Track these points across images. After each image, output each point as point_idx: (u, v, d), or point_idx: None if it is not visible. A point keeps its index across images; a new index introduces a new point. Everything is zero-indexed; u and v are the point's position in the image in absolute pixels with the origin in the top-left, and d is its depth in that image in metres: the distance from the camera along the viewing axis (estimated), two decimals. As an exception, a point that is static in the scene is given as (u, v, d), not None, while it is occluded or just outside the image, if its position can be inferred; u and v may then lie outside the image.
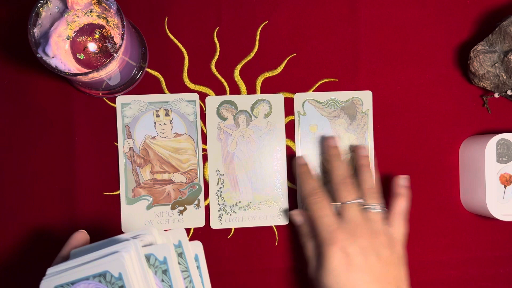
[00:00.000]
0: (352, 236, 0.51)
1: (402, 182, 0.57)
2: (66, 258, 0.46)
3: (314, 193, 0.54)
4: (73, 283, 0.42)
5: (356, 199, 0.53)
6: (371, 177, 0.56)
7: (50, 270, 0.43)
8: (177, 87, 0.60)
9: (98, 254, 0.41)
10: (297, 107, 0.61)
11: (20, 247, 0.58)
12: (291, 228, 0.61)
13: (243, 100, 0.60)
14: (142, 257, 0.41)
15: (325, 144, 0.59)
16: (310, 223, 0.55)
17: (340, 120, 0.61)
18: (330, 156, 0.58)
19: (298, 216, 0.58)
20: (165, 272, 0.42)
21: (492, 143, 0.57)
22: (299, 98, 0.61)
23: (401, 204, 0.56)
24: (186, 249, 0.44)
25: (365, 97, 0.61)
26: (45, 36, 0.48)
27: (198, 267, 0.45)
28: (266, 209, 0.60)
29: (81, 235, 0.49)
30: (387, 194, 0.61)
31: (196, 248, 0.46)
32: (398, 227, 0.54)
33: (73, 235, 0.49)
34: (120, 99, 0.59)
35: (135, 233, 0.44)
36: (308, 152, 0.61)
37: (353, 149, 0.60)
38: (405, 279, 0.52)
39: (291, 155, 0.61)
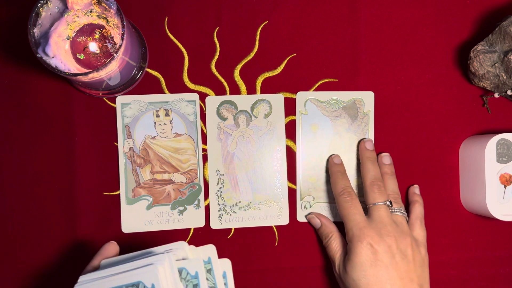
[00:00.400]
0: (380, 235, 0.53)
1: (416, 190, 0.61)
2: (97, 268, 0.47)
3: (346, 192, 0.57)
4: None
5: (384, 201, 0.56)
6: (394, 183, 0.59)
7: (82, 278, 0.44)
8: (177, 87, 0.60)
9: (132, 265, 0.43)
10: (299, 106, 0.61)
11: (20, 247, 0.58)
12: (291, 228, 0.61)
13: (243, 100, 0.60)
14: (175, 270, 0.43)
15: (361, 146, 0.60)
16: (330, 223, 0.59)
17: (342, 120, 0.61)
18: (365, 158, 0.59)
19: (315, 219, 0.60)
20: (195, 286, 0.44)
21: (492, 143, 0.57)
22: (301, 97, 0.61)
23: (419, 209, 0.59)
24: (215, 266, 0.46)
25: (367, 98, 0.61)
26: (45, 36, 0.48)
27: (225, 284, 0.47)
28: (266, 209, 0.60)
29: (112, 246, 0.50)
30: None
31: (224, 265, 0.48)
32: (419, 231, 0.57)
33: (104, 246, 0.50)
34: (120, 99, 0.59)
35: (167, 247, 0.45)
36: (309, 151, 0.61)
37: (378, 156, 0.61)
38: (428, 279, 0.55)
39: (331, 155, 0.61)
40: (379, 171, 0.58)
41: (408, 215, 0.59)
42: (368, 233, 0.53)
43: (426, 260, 0.55)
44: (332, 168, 0.60)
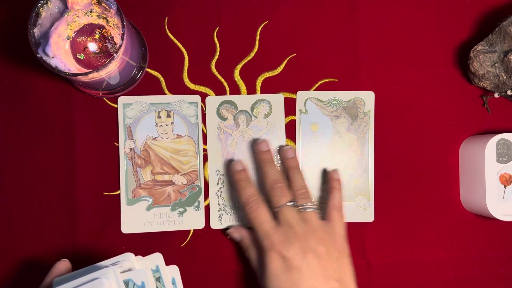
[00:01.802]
0: (288, 239, 0.52)
1: (335, 175, 0.59)
2: (49, 287, 0.47)
3: (251, 201, 0.55)
4: None
5: (288, 202, 0.54)
6: (300, 178, 0.57)
7: None
8: (177, 87, 0.60)
9: (79, 281, 0.43)
10: (299, 105, 0.61)
11: (20, 247, 0.58)
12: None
13: (243, 100, 0.60)
14: (121, 282, 0.43)
15: (256, 149, 0.58)
16: (248, 235, 0.57)
17: (342, 119, 0.61)
18: (260, 161, 0.58)
19: (235, 233, 0.58)
20: None
21: (492, 143, 0.58)
22: (301, 96, 0.61)
23: (336, 197, 0.57)
24: (163, 273, 0.47)
25: (368, 98, 0.61)
26: (45, 36, 0.48)
27: None
28: (266, 209, 0.60)
29: (63, 264, 0.50)
30: (388, 195, 0.61)
31: (173, 272, 0.48)
32: (336, 220, 0.55)
33: (55, 265, 0.50)
34: (122, 99, 0.59)
35: (114, 260, 0.46)
36: (309, 150, 0.61)
37: (279, 151, 0.60)
38: (348, 271, 0.53)
39: (230, 160, 0.60)
40: (277, 171, 0.57)
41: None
42: (276, 240, 0.52)
43: (343, 251, 0.54)
44: (234, 176, 0.58)
